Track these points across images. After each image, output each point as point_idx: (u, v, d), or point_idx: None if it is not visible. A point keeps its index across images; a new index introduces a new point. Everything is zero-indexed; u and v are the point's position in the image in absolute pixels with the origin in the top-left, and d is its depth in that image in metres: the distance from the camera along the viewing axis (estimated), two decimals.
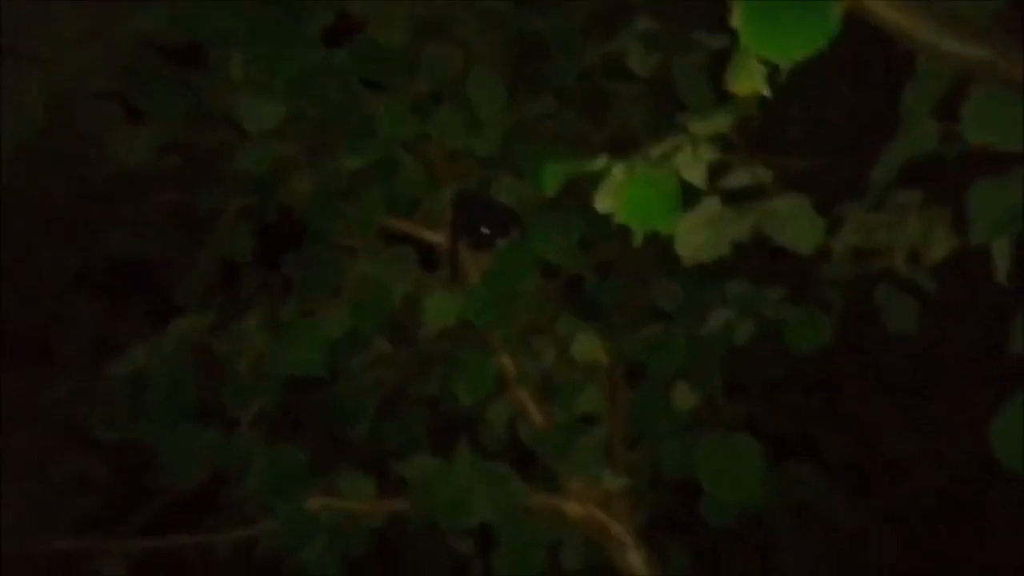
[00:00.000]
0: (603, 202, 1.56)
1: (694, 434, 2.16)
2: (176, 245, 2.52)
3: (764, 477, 2.07)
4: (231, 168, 2.31)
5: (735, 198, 1.66)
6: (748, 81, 1.14)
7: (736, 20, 1.03)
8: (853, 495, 3.19)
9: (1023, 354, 1.44)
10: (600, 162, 1.54)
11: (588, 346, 2.43)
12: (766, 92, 1.15)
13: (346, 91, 2.16)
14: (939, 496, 3.24)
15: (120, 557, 2.29)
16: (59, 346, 2.65)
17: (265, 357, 2.19)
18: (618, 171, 1.53)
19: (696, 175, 1.55)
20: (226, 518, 2.38)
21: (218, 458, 2.15)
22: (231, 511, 2.38)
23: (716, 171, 1.58)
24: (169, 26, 2.07)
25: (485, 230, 2.37)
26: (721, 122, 1.50)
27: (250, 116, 2.15)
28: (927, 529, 3.46)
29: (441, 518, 2.14)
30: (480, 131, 2.31)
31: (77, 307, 2.68)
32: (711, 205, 1.68)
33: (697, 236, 1.71)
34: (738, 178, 1.59)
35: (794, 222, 1.65)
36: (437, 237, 2.56)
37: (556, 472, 2.41)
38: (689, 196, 1.59)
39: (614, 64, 2.27)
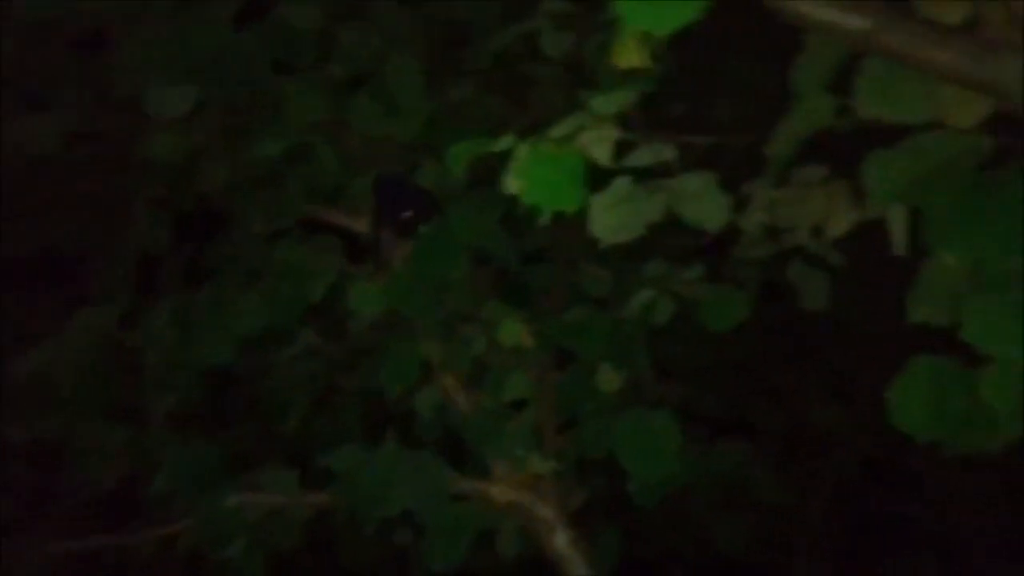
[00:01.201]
0: (510, 183, 1.56)
1: (614, 414, 2.17)
2: (90, 236, 2.43)
3: (682, 452, 2.09)
4: (143, 156, 2.24)
5: (643, 178, 1.66)
6: (629, 55, 1.14)
7: None
8: (783, 467, 3.27)
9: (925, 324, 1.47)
10: (506, 142, 1.54)
11: (514, 331, 2.42)
12: (648, 65, 1.15)
13: (259, 75, 2.10)
14: (863, 462, 3.33)
15: (36, 560, 2.22)
16: None
17: (177, 350, 2.13)
18: (523, 151, 1.53)
19: (601, 153, 1.55)
20: (147, 518, 2.32)
21: (130, 456, 2.08)
22: (153, 510, 2.32)
23: (622, 149, 1.59)
24: (69, 12, 2.00)
25: (407, 214, 2.34)
26: (622, 100, 1.50)
27: (159, 102, 2.09)
28: (852, 493, 3.56)
29: (362, 509, 2.12)
30: (399, 117, 2.28)
31: None
32: (622, 185, 1.68)
33: (610, 216, 1.71)
34: (642, 157, 1.60)
35: (701, 200, 1.66)
36: (360, 225, 2.53)
37: (484, 458, 2.40)
38: (597, 175, 1.59)
39: (532, 48, 2.27)
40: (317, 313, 2.54)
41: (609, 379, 2.31)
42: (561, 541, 2.32)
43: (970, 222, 1.22)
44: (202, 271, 2.44)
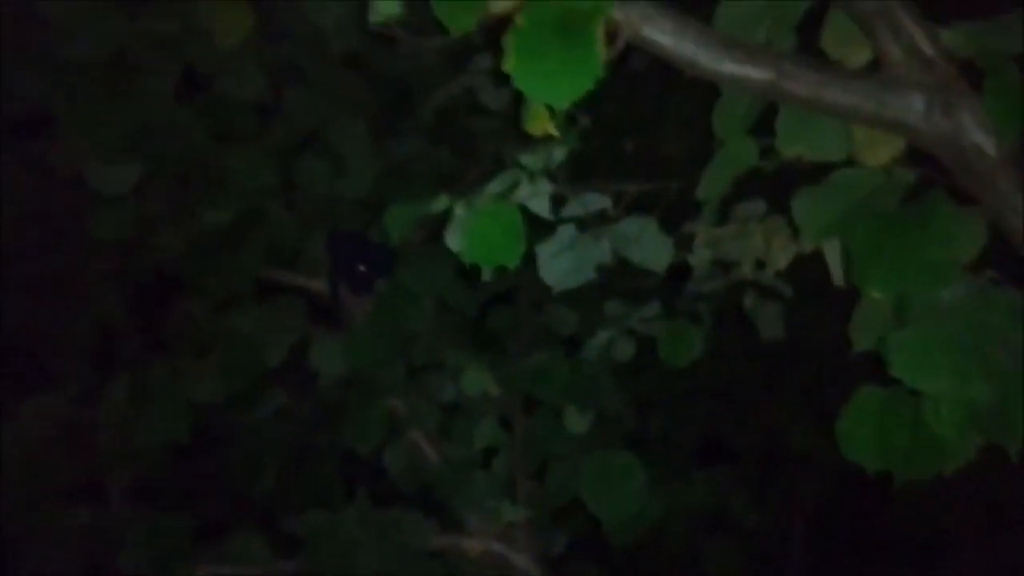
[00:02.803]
0: (452, 240, 1.57)
1: (581, 458, 2.17)
2: (39, 316, 2.42)
3: (656, 490, 2.09)
4: (91, 233, 2.24)
5: (584, 226, 1.69)
6: (539, 123, 1.16)
7: (508, 66, 1.05)
8: (764, 490, 3.27)
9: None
10: (442, 202, 1.55)
11: (478, 379, 2.42)
12: (555, 132, 1.17)
13: (200, 146, 2.12)
14: (841, 483, 3.34)
15: None
16: None
17: (133, 426, 2.12)
18: (460, 209, 1.54)
19: (540, 206, 1.57)
20: None
21: (92, 536, 2.05)
22: None
23: (559, 202, 1.61)
24: (10, 93, 2.01)
25: (363, 269, 2.35)
26: (555, 155, 1.52)
27: (102, 180, 2.09)
28: (832, 514, 3.56)
29: (332, 573, 2.09)
30: (348, 176, 2.30)
31: None
32: (566, 232, 1.70)
33: (558, 263, 1.73)
34: (579, 206, 1.62)
35: (643, 242, 1.69)
36: (319, 284, 2.53)
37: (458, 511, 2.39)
38: (537, 228, 1.61)
39: (475, 102, 2.30)
40: (286, 374, 2.53)
41: (576, 421, 2.31)
42: None
43: (891, 256, 1.24)
44: (158, 343, 2.43)
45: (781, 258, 1.70)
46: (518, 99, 2.17)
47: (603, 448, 2.23)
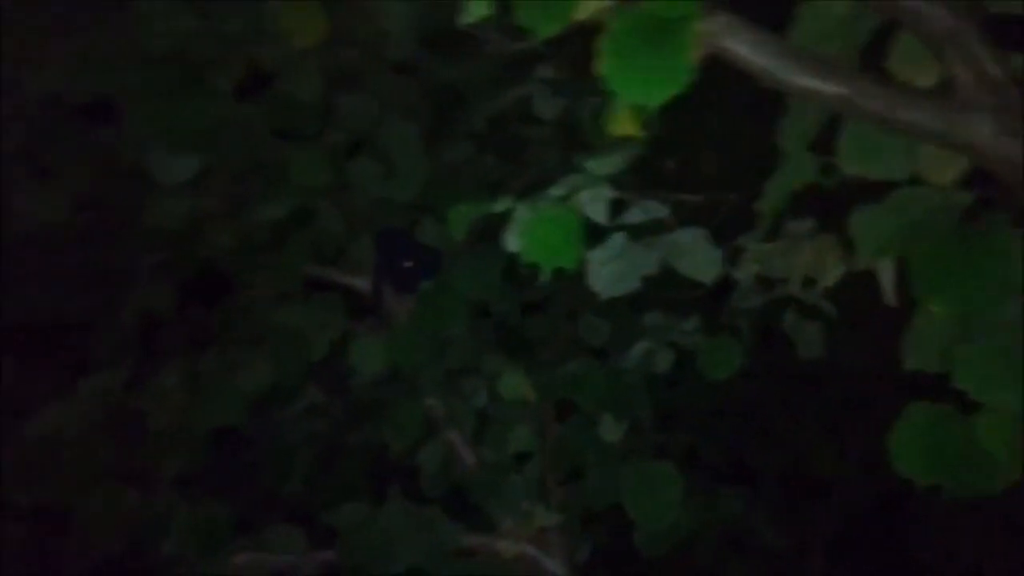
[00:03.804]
0: (511, 241, 1.61)
1: (618, 465, 2.19)
2: (90, 302, 2.47)
3: (686, 502, 2.11)
4: (145, 222, 2.29)
5: (640, 234, 1.72)
6: (623, 125, 1.20)
7: (601, 68, 1.09)
8: (784, 511, 3.27)
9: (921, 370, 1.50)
10: (505, 203, 1.59)
11: (515, 384, 2.45)
12: (639, 134, 1.21)
13: (261, 143, 2.17)
14: (864, 508, 3.34)
15: None
16: None
17: (184, 411, 2.16)
18: (523, 211, 1.58)
19: (597, 212, 1.61)
20: None
21: (140, 518, 2.09)
22: (160, 573, 2.31)
23: (618, 208, 1.65)
24: (76, 84, 2.07)
25: (408, 264, 2.39)
26: (616, 162, 1.56)
27: (163, 170, 2.15)
28: (854, 540, 3.55)
29: (368, 566, 2.12)
30: (398, 178, 2.35)
31: None
32: (618, 240, 1.74)
33: (608, 270, 1.77)
34: (636, 214, 1.65)
35: (694, 254, 1.72)
36: (361, 283, 2.58)
37: (490, 512, 2.41)
38: (594, 233, 1.65)
39: (525, 110, 2.35)
40: (320, 370, 2.57)
41: (611, 429, 2.33)
42: None
43: (955, 274, 1.27)
44: (207, 334, 2.48)
45: (831, 275, 1.73)
46: (572, 109, 2.24)
47: (635, 457, 2.25)
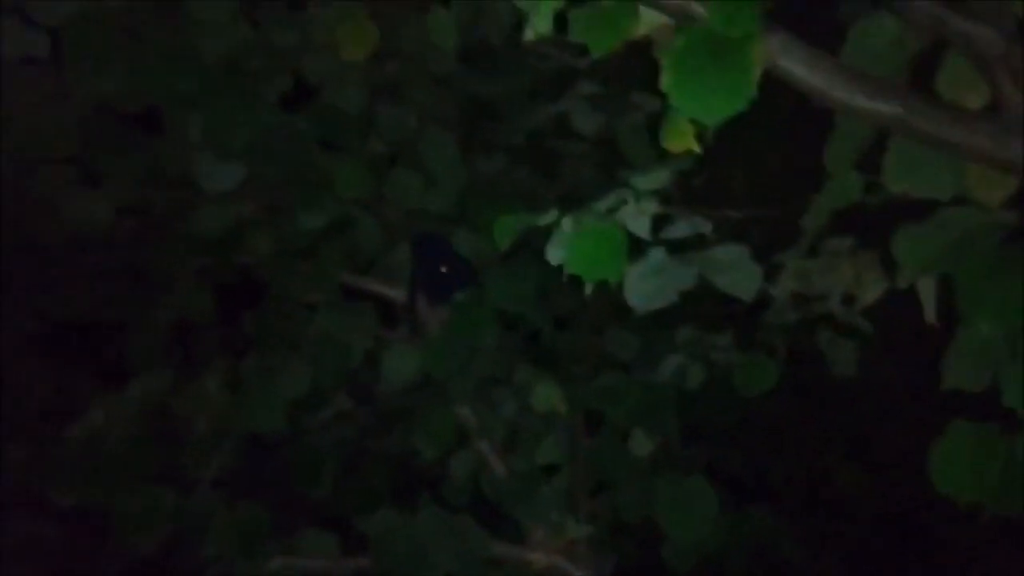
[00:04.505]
0: (554, 254, 1.64)
1: (651, 479, 2.21)
2: (129, 306, 2.52)
3: (719, 518, 2.12)
4: (187, 229, 2.34)
5: (678, 248, 1.74)
6: (680, 139, 1.22)
7: (665, 84, 1.12)
8: (806, 528, 3.26)
9: (955, 389, 1.51)
10: (550, 216, 1.62)
11: (548, 396, 2.47)
12: (696, 149, 1.23)
13: (305, 153, 2.22)
14: (886, 527, 3.33)
15: None
16: (12, 409, 2.61)
17: (225, 415, 2.19)
18: (567, 224, 1.61)
19: (641, 227, 1.63)
20: None
21: (178, 520, 2.12)
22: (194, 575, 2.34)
23: (659, 223, 1.67)
24: (128, 91, 2.12)
25: (446, 276, 2.42)
26: (662, 177, 1.59)
27: (209, 178, 2.19)
28: (876, 560, 3.53)
29: (403, 572, 2.14)
30: (435, 189, 2.38)
31: (30, 370, 2.65)
32: (657, 255, 1.76)
33: (645, 285, 1.78)
34: (679, 229, 1.68)
35: (734, 270, 1.73)
36: (395, 292, 2.61)
37: (520, 522, 2.42)
38: (636, 248, 1.67)
39: (561, 124, 2.38)
40: (347, 378, 2.60)
41: (642, 443, 2.35)
42: None
43: (1002, 292, 1.28)
44: (242, 340, 2.52)
45: (872, 292, 1.74)
46: (609, 124, 2.27)
47: (664, 471, 2.26)
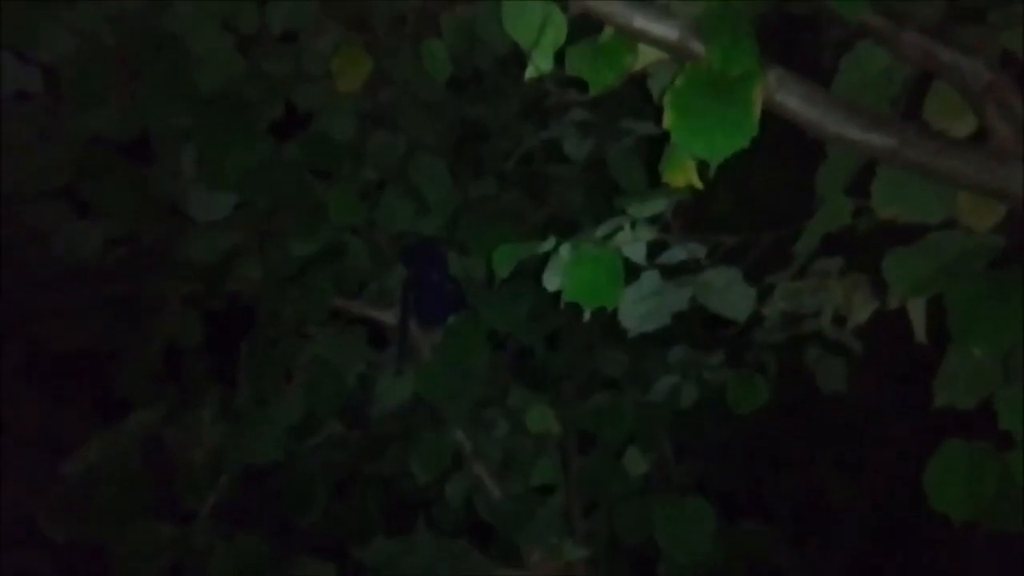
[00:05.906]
0: (552, 280, 1.65)
1: (647, 499, 2.22)
2: (121, 336, 2.50)
3: (716, 536, 2.14)
4: (176, 257, 2.33)
5: (673, 272, 1.77)
6: (681, 173, 1.25)
7: (667, 122, 1.15)
8: (798, 543, 3.29)
9: (945, 407, 1.55)
10: (548, 243, 1.64)
11: (542, 417, 2.48)
12: (698, 184, 1.26)
13: (297, 181, 2.22)
14: (875, 541, 3.37)
15: None
16: (5, 443, 2.58)
17: (220, 447, 2.18)
18: (565, 251, 1.63)
19: (636, 253, 1.66)
20: None
21: (177, 553, 2.10)
22: None
23: (655, 248, 1.70)
24: (120, 123, 2.11)
25: (439, 300, 2.43)
26: (658, 204, 1.61)
27: (200, 207, 2.19)
28: (870, 573, 3.57)
29: None
30: (426, 213, 2.39)
31: (22, 403, 2.62)
32: (651, 278, 1.79)
33: (640, 308, 1.81)
34: (675, 254, 1.70)
35: (727, 292, 1.77)
36: (387, 316, 2.62)
37: (516, 545, 2.43)
38: (630, 272, 1.69)
39: (551, 148, 2.41)
40: (340, 403, 2.59)
41: (637, 462, 2.37)
42: None
43: (992, 314, 1.31)
44: (233, 368, 2.51)
45: (861, 313, 1.78)
46: (600, 150, 2.30)
47: (660, 490, 2.28)
